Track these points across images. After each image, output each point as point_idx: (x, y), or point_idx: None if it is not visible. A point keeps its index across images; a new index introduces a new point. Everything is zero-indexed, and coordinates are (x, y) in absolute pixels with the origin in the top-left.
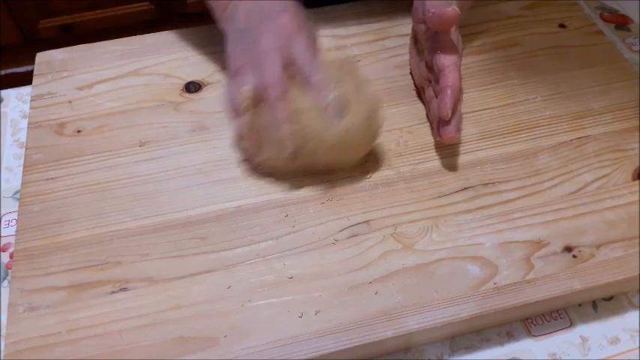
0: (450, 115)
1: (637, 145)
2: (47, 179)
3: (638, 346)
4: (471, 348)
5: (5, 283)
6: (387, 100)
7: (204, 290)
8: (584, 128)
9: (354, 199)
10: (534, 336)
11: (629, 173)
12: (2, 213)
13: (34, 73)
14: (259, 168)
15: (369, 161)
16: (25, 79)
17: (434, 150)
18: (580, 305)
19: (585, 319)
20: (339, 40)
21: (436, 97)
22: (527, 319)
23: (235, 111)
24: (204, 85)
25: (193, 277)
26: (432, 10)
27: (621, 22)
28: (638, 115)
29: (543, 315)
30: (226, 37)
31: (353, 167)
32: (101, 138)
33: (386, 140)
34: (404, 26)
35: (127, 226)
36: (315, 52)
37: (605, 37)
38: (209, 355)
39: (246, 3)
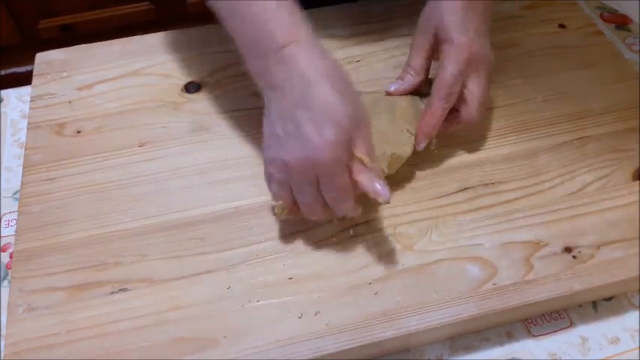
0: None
1: (637, 146)
2: (47, 179)
3: (638, 346)
4: (470, 348)
5: (5, 283)
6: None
7: (203, 291)
8: (584, 128)
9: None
10: (534, 336)
11: (629, 173)
12: (2, 213)
13: (34, 73)
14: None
15: None
16: (25, 79)
17: (434, 150)
18: (580, 305)
19: (585, 319)
20: (339, 41)
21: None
22: (527, 319)
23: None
24: (204, 86)
25: (193, 277)
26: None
27: (621, 22)
28: (638, 115)
29: (543, 315)
30: (265, 108)
31: None
32: (101, 138)
33: None
34: (404, 26)
35: (126, 226)
36: (347, 187)
37: (605, 37)
38: (208, 356)
39: (280, 99)
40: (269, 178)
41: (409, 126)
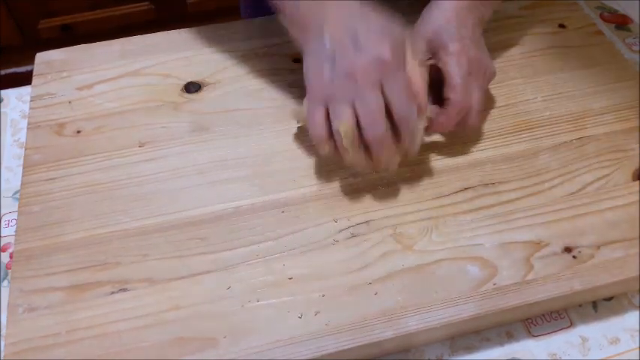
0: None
1: (637, 146)
2: (47, 179)
3: (638, 346)
4: (471, 348)
5: (5, 283)
6: None
7: (203, 291)
8: (585, 128)
9: (354, 200)
10: (534, 336)
11: (629, 173)
12: (2, 213)
13: (34, 73)
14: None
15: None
16: (25, 79)
17: (434, 150)
18: (580, 305)
19: (585, 319)
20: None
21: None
22: (527, 319)
23: (324, 140)
24: (204, 86)
25: (193, 277)
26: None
27: (621, 22)
28: (638, 115)
29: (543, 315)
30: (307, 57)
31: (352, 167)
32: (101, 138)
33: None
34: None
35: (126, 226)
36: (411, 92)
37: (605, 37)
38: (208, 356)
39: (336, 26)
40: (319, 101)
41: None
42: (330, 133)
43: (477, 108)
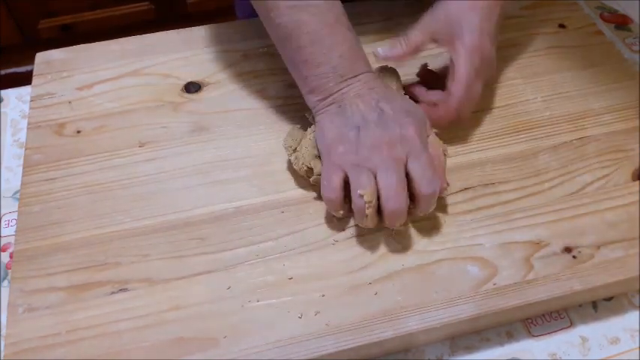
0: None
1: (637, 146)
2: (47, 179)
3: (638, 346)
4: (471, 348)
5: (5, 283)
6: None
7: (203, 291)
8: (584, 128)
9: None
10: (534, 336)
11: (629, 174)
12: (2, 213)
13: (34, 73)
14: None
15: None
16: (25, 79)
17: None
18: (580, 305)
19: (585, 319)
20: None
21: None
22: (527, 319)
23: (339, 204)
24: (204, 85)
25: (193, 277)
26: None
27: (621, 22)
28: (638, 115)
29: (543, 315)
30: (323, 120)
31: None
32: (101, 138)
33: None
34: (404, 26)
35: (126, 226)
36: (434, 170)
37: (605, 37)
38: (209, 356)
39: (361, 100)
40: (352, 168)
41: None
42: (344, 198)
43: (474, 102)
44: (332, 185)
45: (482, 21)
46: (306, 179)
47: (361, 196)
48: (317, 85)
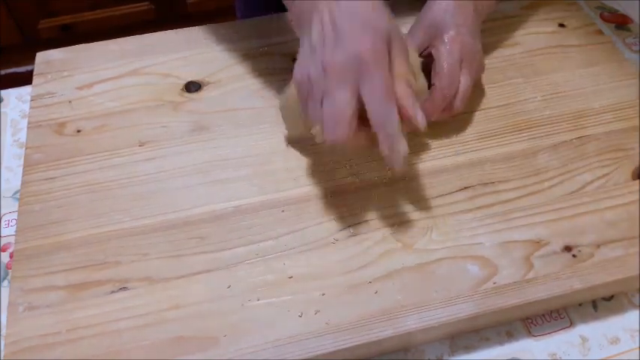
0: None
1: (637, 145)
2: (47, 179)
3: (638, 346)
4: (470, 348)
5: (5, 283)
6: None
7: (203, 290)
8: (584, 128)
9: (354, 199)
10: (534, 336)
11: (629, 173)
12: (2, 213)
13: (34, 72)
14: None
15: (368, 161)
16: (25, 79)
17: (434, 150)
18: (580, 305)
19: (585, 319)
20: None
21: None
22: (527, 319)
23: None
24: (204, 85)
25: (193, 276)
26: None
27: (621, 22)
28: (638, 115)
29: (543, 315)
30: (298, 53)
31: (353, 166)
32: (101, 138)
33: None
34: (403, 26)
35: (126, 225)
36: (391, 94)
37: (605, 37)
38: (208, 355)
39: (322, 19)
40: (304, 101)
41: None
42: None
43: (463, 94)
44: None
45: (456, 16)
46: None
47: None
48: (295, 12)
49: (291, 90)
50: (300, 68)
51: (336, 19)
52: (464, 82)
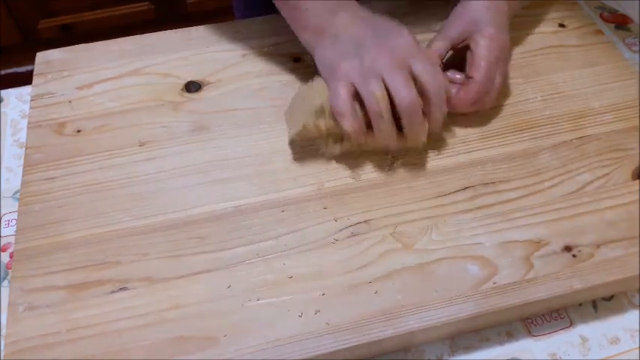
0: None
1: (637, 145)
2: (47, 179)
3: (638, 346)
4: (470, 348)
5: (5, 282)
6: None
7: (203, 290)
8: (584, 128)
9: (354, 199)
10: (534, 336)
11: (629, 173)
12: (2, 213)
13: (34, 72)
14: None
15: (368, 161)
16: (25, 79)
17: (434, 150)
18: (580, 305)
19: (585, 319)
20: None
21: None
22: (527, 319)
23: (348, 114)
24: (204, 85)
25: (193, 276)
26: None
27: (621, 22)
28: (638, 115)
29: (543, 315)
30: (323, 51)
31: (352, 166)
32: (101, 138)
33: None
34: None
35: (126, 225)
36: (436, 69)
37: (605, 37)
38: (208, 355)
39: (353, 27)
40: (360, 82)
41: None
42: (353, 111)
43: (496, 91)
44: (341, 97)
45: (495, 15)
46: (324, 137)
47: (374, 99)
48: (309, 21)
49: (310, 89)
50: (341, 60)
51: (370, 27)
52: (498, 79)
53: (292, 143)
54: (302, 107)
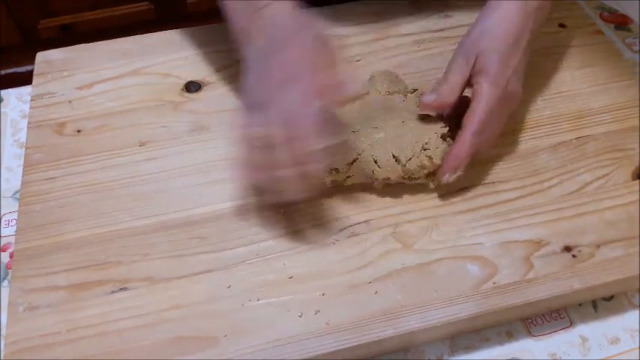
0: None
1: (637, 145)
2: (47, 179)
3: (638, 346)
4: (470, 348)
5: (5, 283)
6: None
7: (203, 290)
8: (584, 128)
9: (354, 199)
10: (534, 336)
11: (629, 173)
12: (2, 213)
13: (34, 72)
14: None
15: None
16: (25, 79)
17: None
18: (580, 305)
19: (585, 319)
20: (339, 40)
21: None
22: (527, 319)
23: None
24: (204, 85)
25: (193, 276)
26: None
27: (621, 22)
28: (637, 115)
29: (543, 315)
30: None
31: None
32: (101, 138)
33: None
34: (404, 26)
35: (127, 225)
36: (312, 100)
37: (605, 37)
38: (209, 355)
39: (261, 30)
40: (249, 108)
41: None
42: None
43: (493, 138)
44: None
45: (509, 56)
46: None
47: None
48: (234, 19)
49: None
50: (246, 82)
51: (274, 38)
52: (494, 127)
53: None
54: None
